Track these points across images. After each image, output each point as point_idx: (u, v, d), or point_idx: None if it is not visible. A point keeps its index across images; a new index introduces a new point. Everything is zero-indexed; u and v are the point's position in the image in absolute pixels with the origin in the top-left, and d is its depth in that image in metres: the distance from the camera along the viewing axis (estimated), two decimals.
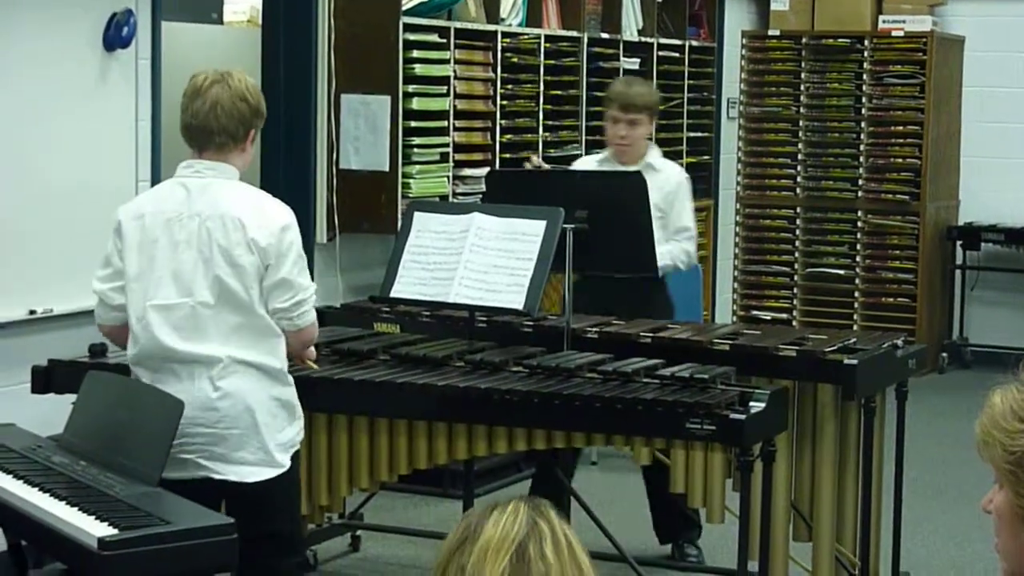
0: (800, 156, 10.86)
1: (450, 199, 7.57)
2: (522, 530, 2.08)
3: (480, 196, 7.35)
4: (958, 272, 11.03)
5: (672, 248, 6.37)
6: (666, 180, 6.40)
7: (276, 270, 4.33)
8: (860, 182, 10.70)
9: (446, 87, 7.62)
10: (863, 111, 10.69)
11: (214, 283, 4.32)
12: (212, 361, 4.32)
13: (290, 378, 4.48)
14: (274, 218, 4.37)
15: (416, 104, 7.44)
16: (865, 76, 10.66)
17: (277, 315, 4.38)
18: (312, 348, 4.75)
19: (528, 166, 7.03)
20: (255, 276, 4.33)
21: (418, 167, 7.47)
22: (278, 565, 4.42)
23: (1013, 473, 2.25)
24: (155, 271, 4.36)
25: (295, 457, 4.49)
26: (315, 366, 4.92)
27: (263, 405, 4.36)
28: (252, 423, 4.34)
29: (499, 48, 7.97)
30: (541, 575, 2.06)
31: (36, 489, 4.09)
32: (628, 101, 6.36)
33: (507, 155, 8.08)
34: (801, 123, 10.85)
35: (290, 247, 4.36)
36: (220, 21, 9.31)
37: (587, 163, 6.70)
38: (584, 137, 8.77)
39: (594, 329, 5.81)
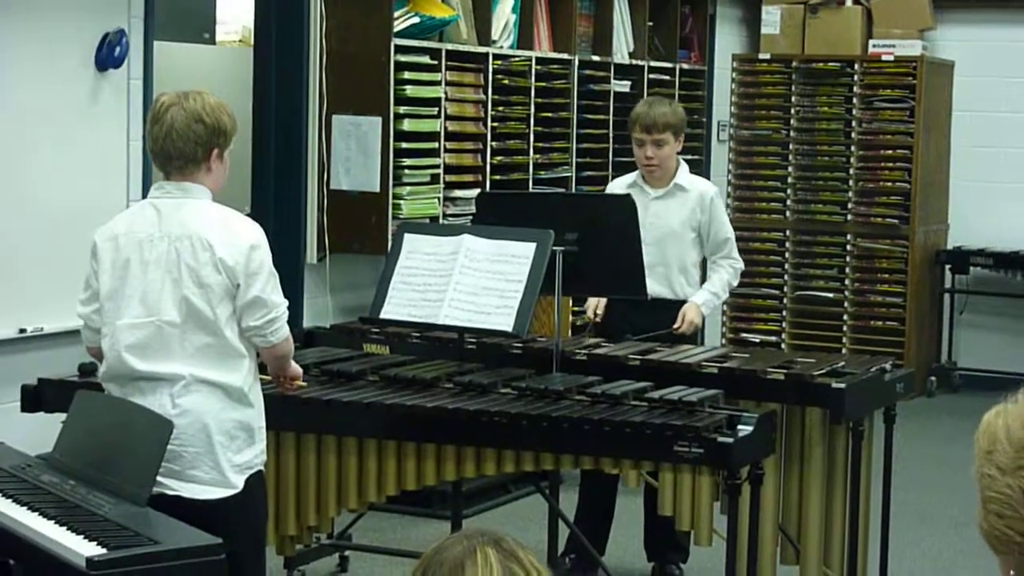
0: (790, 179, 10.89)
1: (440, 220, 7.59)
2: None
3: (470, 218, 7.37)
4: (947, 296, 11.06)
5: (718, 280, 6.46)
6: (699, 199, 6.44)
7: (248, 289, 4.34)
8: (850, 206, 10.73)
9: (437, 108, 7.64)
10: (853, 135, 10.72)
11: (181, 303, 4.34)
12: (174, 379, 4.34)
13: (254, 400, 4.47)
14: (242, 237, 4.37)
15: (407, 125, 7.46)
16: (855, 100, 10.69)
17: (250, 332, 4.39)
18: (299, 369, 4.76)
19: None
20: (222, 296, 4.34)
21: (409, 188, 7.49)
22: None
23: None
24: (126, 291, 4.38)
25: (254, 480, 4.46)
26: (304, 384, 4.92)
27: (220, 425, 4.36)
28: (207, 442, 4.34)
29: (490, 70, 7.99)
30: None
31: (25, 508, 4.08)
32: (650, 122, 6.38)
33: (498, 177, 8.10)
34: (791, 146, 10.88)
35: (260, 266, 4.36)
36: (212, 41, 9.33)
37: (619, 185, 6.67)
38: (575, 159, 8.79)
39: (583, 351, 5.82)
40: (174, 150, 4.38)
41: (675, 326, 6.33)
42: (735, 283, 6.61)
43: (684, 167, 6.57)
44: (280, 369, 4.66)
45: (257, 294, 4.35)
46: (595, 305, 6.49)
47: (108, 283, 4.41)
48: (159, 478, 4.23)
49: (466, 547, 2.11)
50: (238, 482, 4.39)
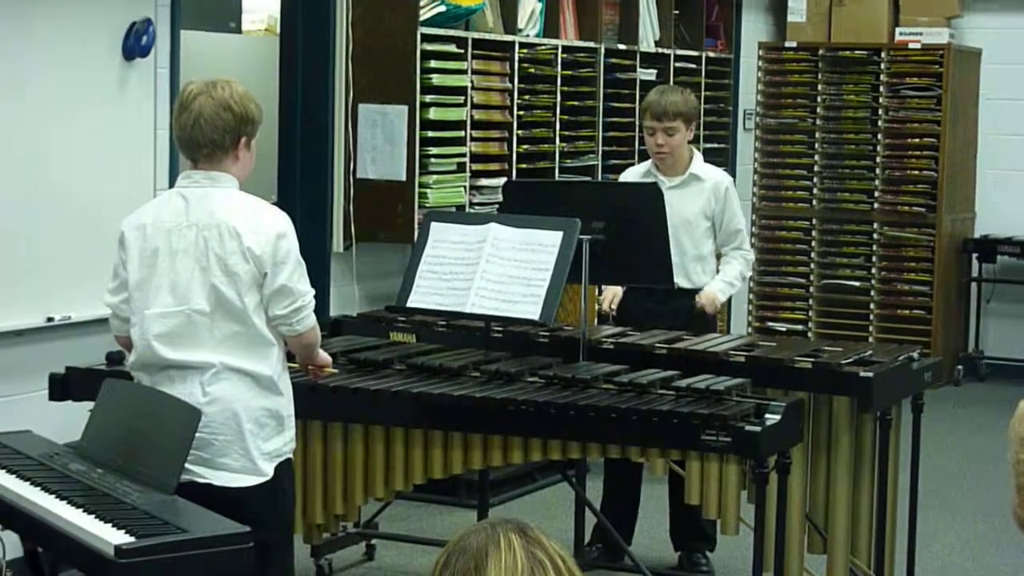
0: (816, 168, 10.86)
1: (467, 209, 7.58)
2: (526, 567, 2.08)
3: (497, 206, 7.36)
4: (974, 284, 11.03)
5: (731, 270, 6.46)
6: (714, 188, 6.43)
7: (275, 278, 4.35)
8: (876, 194, 10.70)
9: (463, 97, 7.63)
10: (879, 123, 10.69)
11: (211, 292, 4.34)
12: (205, 367, 4.35)
13: (283, 388, 4.48)
14: (269, 226, 4.37)
15: (433, 114, 7.46)
16: (882, 88, 10.66)
17: (277, 321, 4.39)
18: (327, 357, 4.76)
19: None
20: (250, 284, 4.34)
21: (435, 177, 7.48)
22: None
23: None
24: (154, 280, 4.40)
25: (283, 468, 4.47)
26: (335, 371, 4.92)
27: (250, 413, 4.37)
28: (237, 430, 4.35)
29: (516, 58, 7.98)
30: None
31: (53, 496, 4.10)
32: (661, 110, 6.37)
33: (524, 165, 8.09)
34: (817, 135, 10.85)
35: (287, 254, 4.37)
36: (238, 30, 9.34)
37: (632, 174, 6.68)
38: (601, 148, 8.78)
39: (610, 340, 5.81)
40: (202, 138, 4.39)
41: (697, 302, 6.29)
42: (748, 273, 6.63)
43: (698, 156, 6.55)
44: (307, 358, 4.66)
45: (284, 282, 4.35)
46: (610, 298, 6.47)
47: (136, 272, 4.42)
48: (189, 466, 4.24)
49: (490, 534, 2.10)
50: (268, 470, 4.40)
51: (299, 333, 4.45)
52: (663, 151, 6.41)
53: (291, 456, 4.54)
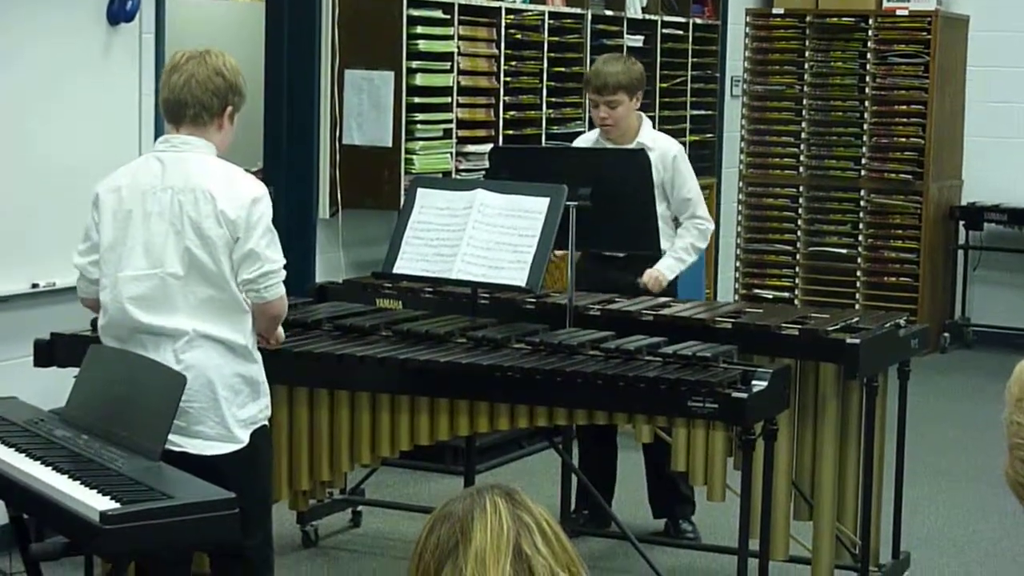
0: (803, 135, 10.85)
1: (453, 175, 7.56)
2: (512, 529, 2.08)
3: (483, 173, 7.34)
4: (960, 252, 11.03)
5: (680, 244, 6.30)
6: (661, 157, 6.33)
7: (245, 242, 4.35)
8: (863, 161, 10.70)
9: (450, 63, 7.61)
10: (867, 90, 10.67)
11: (184, 255, 4.35)
12: (178, 334, 4.35)
13: (257, 355, 4.48)
14: (244, 191, 4.38)
15: (420, 80, 7.43)
16: (869, 55, 10.64)
17: (245, 286, 4.39)
18: (280, 331, 4.70)
19: None
20: (224, 248, 4.34)
21: (421, 143, 7.46)
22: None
23: None
24: (127, 242, 4.40)
25: (259, 435, 4.48)
26: (277, 344, 4.75)
27: (225, 380, 4.37)
28: (212, 397, 4.35)
29: (503, 24, 7.96)
30: (541, 567, 2.07)
31: (38, 463, 4.09)
32: (600, 82, 6.27)
33: (510, 131, 8.07)
34: (805, 102, 10.83)
35: (259, 220, 4.37)
36: None
37: (584, 141, 6.62)
38: (587, 114, 8.75)
39: (596, 307, 5.80)
40: (192, 99, 4.39)
41: (640, 282, 6.19)
42: (702, 244, 6.41)
43: (647, 124, 6.45)
44: (268, 331, 4.60)
45: (252, 247, 4.35)
46: None
47: (109, 234, 4.42)
48: None
49: (475, 499, 2.11)
50: (243, 437, 4.40)
51: (267, 300, 4.43)
52: (607, 123, 6.33)
53: (267, 423, 4.53)
